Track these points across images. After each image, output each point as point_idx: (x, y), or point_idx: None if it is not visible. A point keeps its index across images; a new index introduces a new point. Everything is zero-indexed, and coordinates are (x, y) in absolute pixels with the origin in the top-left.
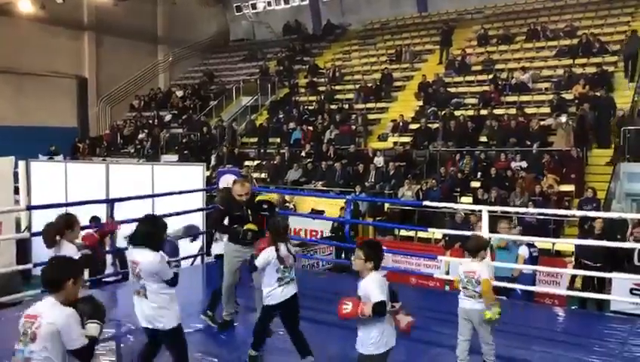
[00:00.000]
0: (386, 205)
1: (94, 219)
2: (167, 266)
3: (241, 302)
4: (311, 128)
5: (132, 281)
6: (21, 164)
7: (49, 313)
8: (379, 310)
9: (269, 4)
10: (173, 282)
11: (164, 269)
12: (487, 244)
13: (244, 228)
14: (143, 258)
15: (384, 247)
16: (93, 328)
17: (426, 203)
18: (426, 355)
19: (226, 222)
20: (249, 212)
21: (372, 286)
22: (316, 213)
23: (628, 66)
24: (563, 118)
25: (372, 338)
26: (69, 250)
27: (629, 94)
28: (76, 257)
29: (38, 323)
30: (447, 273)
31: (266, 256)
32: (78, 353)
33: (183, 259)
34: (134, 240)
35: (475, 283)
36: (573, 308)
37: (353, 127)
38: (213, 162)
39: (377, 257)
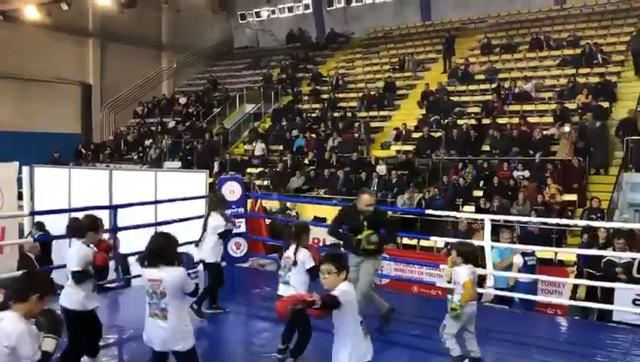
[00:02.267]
0: (389, 213)
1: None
2: (188, 279)
3: (242, 308)
4: (314, 136)
5: (150, 303)
6: (25, 169)
7: (5, 327)
8: (329, 300)
9: (273, 12)
10: (195, 293)
11: (187, 282)
12: (477, 252)
13: (359, 237)
14: (166, 274)
15: (386, 255)
16: (48, 342)
17: (429, 211)
18: None
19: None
20: (365, 223)
21: (341, 295)
22: (318, 221)
23: (637, 62)
24: (566, 128)
25: (341, 359)
26: (78, 253)
27: (632, 105)
28: (80, 267)
29: None
30: (450, 281)
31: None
32: None
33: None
34: (151, 258)
35: (459, 287)
36: (575, 318)
37: (356, 135)
38: (215, 169)
39: (347, 267)
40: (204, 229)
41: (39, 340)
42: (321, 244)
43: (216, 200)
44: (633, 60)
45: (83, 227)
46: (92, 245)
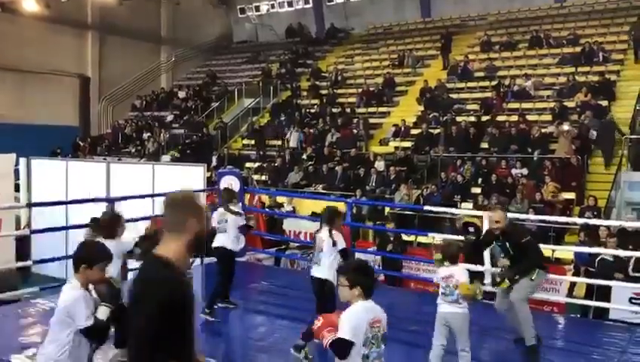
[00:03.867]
0: (387, 209)
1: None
2: None
3: (239, 302)
4: (312, 131)
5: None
6: (22, 161)
7: (64, 294)
8: (337, 347)
9: (273, 6)
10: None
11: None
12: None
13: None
14: None
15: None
16: (101, 311)
17: (427, 207)
18: (424, 359)
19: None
20: (507, 244)
21: (344, 319)
22: (316, 216)
23: (637, 49)
24: (566, 126)
25: None
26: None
27: (631, 103)
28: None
29: (58, 301)
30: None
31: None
32: (84, 332)
33: None
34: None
35: (452, 288)
36: (572, 316)
37: (355, 130)
38: (214, 163)
39: (366, 282)
40: (224, 221)
41: (93, 308)
42: None
43: (228, 194)
44: (634, 47)
45: (112, 225)
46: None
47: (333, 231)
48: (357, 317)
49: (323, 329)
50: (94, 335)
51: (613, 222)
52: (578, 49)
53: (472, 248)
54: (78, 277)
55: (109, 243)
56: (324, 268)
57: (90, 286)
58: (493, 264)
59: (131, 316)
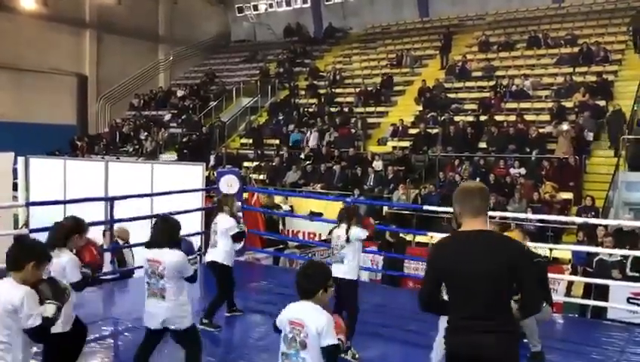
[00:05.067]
0: (385, 208)
1: None
2: (188, 263)
3: (238, 302)
4: (311, 130)
5: (148, 282)
6: (20, 160)
7: (8, 292)
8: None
9: (271, 5)
10: (193, 279)
11: (186, 266)
12: None
13: None
14: (166, 257)
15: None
16: (49, 308)
17: (427, 207)
18: (424, 359)
19: None
20: None
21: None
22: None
23: (637, 41)
24: (564, 126)
25: None
26: (71, 262)
27: (629, 103)
28: (77, 277)
29: None
30: None
31: None
32: (30, 332)
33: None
34: (154, 240)
35: None
36: (570, 315)
37: (353, 130)
38: (212, 162)
39: (296, 282)
40: (215, 232)
41: (39, 307)
42: (317, 239)
43: (223, 200)
44: (633, 39)
45: (68, 231)
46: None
47: (351, 227)
48: (284, 311)
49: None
50: (41, 336)
51: (612, 222)
52: (576, 49)
53: None
54: (19, 275)
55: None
56: (347, 266)
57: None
58: None
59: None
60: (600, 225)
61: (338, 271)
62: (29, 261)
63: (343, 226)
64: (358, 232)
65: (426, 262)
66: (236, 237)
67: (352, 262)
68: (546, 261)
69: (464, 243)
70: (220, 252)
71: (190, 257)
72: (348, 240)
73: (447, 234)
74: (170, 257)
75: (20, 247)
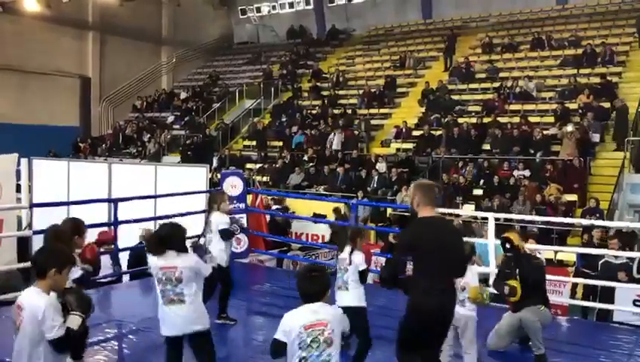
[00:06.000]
0: (389, 211)
1: None
2: (203, 263)
3: (242, 303)
4: (313, 132)
5: (163, 290)
6: (23, 161)
7: (32, 301)
8: (271, 346)
9: (274, 7)
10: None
11: (204, 265)
12: (474, 250)
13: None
14: (181, 261)
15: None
16: (73, 320)
17: None
18: None
19: None
20: (517, 271)
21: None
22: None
23: None
24: (569, 128)
25: None
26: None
27: (633, 105)
28: (78, 274)
29: (22, 315)
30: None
31: None
32: (54, 343)
33: None
34: (159, 246)
35: (460, 290)
36: (575, 318)
37: (356, 132)
38: (215, 164)
39: (301, 287)
40: (210, 230)
41: (62, 317)
42: (320, 241)
43: (212, 197)
44: (638, 37)
45: (67, 233)
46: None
47: (355, 251)
48: (289, 320)
49: None
50: (64, 347)
51: (618, 224)
52: (580, 51)
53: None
54: (44, 283)
55: None
56: (352, 293)
57: (52, 294)
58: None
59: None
60: (604, 227)
61: (342, 299)
62: (50, 267)
63: (347, 250)
64: (360, 260)
65: (401, 241)
66: (224, 235)
67: (356, 289)
68: (543, 264)
69: (433, 226)
70: (214, 251)
71: (207, 256)
72: (350, 263)
73: (416, 220)
74: (185, 260)
75: (41, 255)
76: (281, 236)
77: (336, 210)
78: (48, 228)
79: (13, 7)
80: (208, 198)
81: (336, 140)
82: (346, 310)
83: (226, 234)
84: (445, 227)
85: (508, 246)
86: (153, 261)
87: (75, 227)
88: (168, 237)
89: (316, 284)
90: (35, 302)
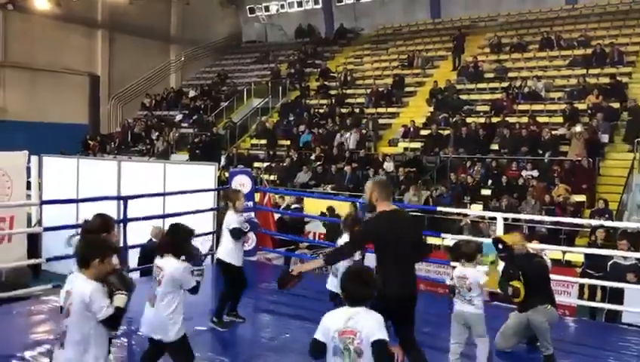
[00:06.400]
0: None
1: None
2: (189, 275)
3: (249, 302)
4: (321, 131)
5: (151, 287)
6: (33, 159)
7: (79, 288)
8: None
9: (282, 6)
10: (194, 290)
11: (186, 278)
12: (480, 249)
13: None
14: (167, 264)
15: None
16: (119, 299)
17: (441, 208)
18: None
19: None
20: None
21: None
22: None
23: None
24: (578, 128)
25: None
26: None
27: None
28: None
29: (70, 300)
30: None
31: None
32: (106, 322)
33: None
34: (160, 249)
35: (466, 289)
36: (584, 319)
37: (364, 131)
38: (222, 163)
39: (349, 288)
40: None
41: (108, 298)
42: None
43: (227, 196)
44: None
45: (96, 230)
46: None
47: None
48: (327, 321)
49: None
50: (115, 324)
51: (628, 224)
52: (589, 51)
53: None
54: (89, 272)
55: None
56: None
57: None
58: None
59: None
60: (613, 228)
61: (334, 284)
62: (94, 258)
63: (345, 237)
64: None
65: (364, 229)
66: (234, 234)
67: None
68: (546, 263)
69: (392, 218)
70: (223, 249)
71: (196, 268)
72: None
73: (378, 214)
74: (171, 266)
75: (85, 246)
76: (291, 235)
77: (329, 209)
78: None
79: (24, 6)
80: (223, 196)
81: (352, 139)
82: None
83: (236, 234)
84: (403, 219)
85: (500, 246)
86: (156, 259)
87: (104, 223)
88: (168, 240)
89: (364, 288)
90: (82, 288)
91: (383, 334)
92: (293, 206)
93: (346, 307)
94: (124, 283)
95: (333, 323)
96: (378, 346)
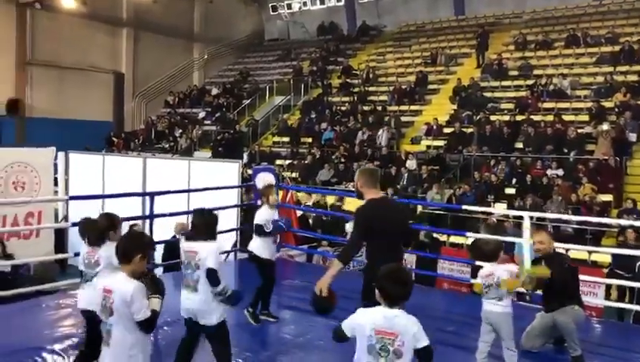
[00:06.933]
0: (419, 208)
1: None
2: (218, 254)
3: (272, 298)
4: (342, 129)
5: (185, 273)
6: (60, 155)
7: (121, 286)
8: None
9: (305, 4)
10: (212, 274)
11: (220, 261)
12: (502, 247)
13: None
14: (203, 248)
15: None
16: (155, 302)
17: (466, 207)
18: (463, 360)
19: None
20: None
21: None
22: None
23: None
24: (605, 126)
25: None
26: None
27: None
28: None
29: (112, 298)
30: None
31: None
32: (141, 324)
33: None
34: (192, 232)
35: (495, 287)
36: (612, 321)
37: (378, 133)
38: (244, 160)
39: (388, 288)
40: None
41: (147, 300)
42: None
43: (261, 191)
44: None
45: (102, 229)
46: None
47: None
48: (361, 318)
49: None
50: (150, 327)
51: None
52: (617, 48)
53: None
54: (129, 268)
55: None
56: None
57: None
58: None
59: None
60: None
61: None
62: (136, 253)
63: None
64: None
65: (360, 218)
66: (255, 230)
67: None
68: (573, 263)
69: (381, 206)
70: (254, 242)
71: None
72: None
73: (368, 201)
74: (208, 248)
75: (128, 240)
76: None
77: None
78: (82, 221)
79: (51, 5)
80: (260, 192)
81: (384, 137)
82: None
83: (258, 231)
84: (392, 207)
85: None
86: (182, 242)
87: (110, 222)
88: (201, 224)
89: (403, 287)
90: (124, 286)
91: (427, 339)
92: (337, 204)
93: (383, 306)
94: (158, 286)
95: (369, 321)
96: (426, 353)
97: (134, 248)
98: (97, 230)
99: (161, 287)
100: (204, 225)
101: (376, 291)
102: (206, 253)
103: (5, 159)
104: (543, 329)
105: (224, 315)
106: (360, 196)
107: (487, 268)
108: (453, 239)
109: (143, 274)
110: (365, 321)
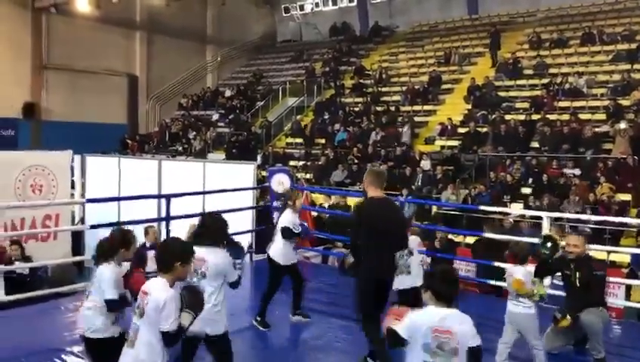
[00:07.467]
0: (434, 209)
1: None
2: (232, 267)
3: (289, 300)
4: (356, 129)
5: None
6: (77, 158)
7: (156, 292)
8: (387, 336)
9: (317, 5)
10: (235, 284)
11: (231, 269)
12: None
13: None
14: (211, 256)
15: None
16: (186, 317)
17: (483, 207)
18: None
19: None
20: (578, 274)
21: (407, 316)
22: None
23: None
24: (622, 125)
25: None
26: (112, 278)
27: None
28: (112, 294)
29: (147, 300)
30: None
31: None
32: (165, 335)
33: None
34: (202, 237)
35: (512, 287)
36: (632, 321)
37: (400, 129)
38: (258, 161)
39: (438, 288)
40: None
41: (177, 313)
42: None
43: (287, 195)
44: None
45: (115, 246)
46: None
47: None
48: (416, 318)
49: (391, 315)
50: (172, 341)
51: None
52: (634, 45)
53: (539, 266)
54: (169, 276)
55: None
56: (414, 274)
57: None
58: None
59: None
60: None
61: (404, 282)
62: (176, 261)
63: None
64: (416, 246)
65: (357, 213)
66: (283, 233)
67: (416, 269)
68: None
69: (381, 206)
70: (274, 247)
71: (237, 261)
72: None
73: (368, 199)
74: (215, 257)
75: (166, 249)
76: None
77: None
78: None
79: (66, 9)
80: (284, 195)
81: (405, 135)
82: (413, 291)
83: (286, 234)
84: (392, 208)
85: (549, 244)
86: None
87: (123, 238)
88: (206, 228)
89: (453, 287)
90: (159, 293)
91: (479, 339)
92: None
93: (435, 306)
94: (195, 302)
95: (425, 321)
96: (476, 352)
97: (173, 256)
98: (107, 248)
99: (199, 301)
100: (212, 230)
101: (427, 292)
102: (221, 265)
103: (23, 162)
104: (565, 330)
105: (227, 324)
106: (365, 195)
107: (509, 268)
108: (469, 240)
109: (184, 287)
110: (421, 321)
